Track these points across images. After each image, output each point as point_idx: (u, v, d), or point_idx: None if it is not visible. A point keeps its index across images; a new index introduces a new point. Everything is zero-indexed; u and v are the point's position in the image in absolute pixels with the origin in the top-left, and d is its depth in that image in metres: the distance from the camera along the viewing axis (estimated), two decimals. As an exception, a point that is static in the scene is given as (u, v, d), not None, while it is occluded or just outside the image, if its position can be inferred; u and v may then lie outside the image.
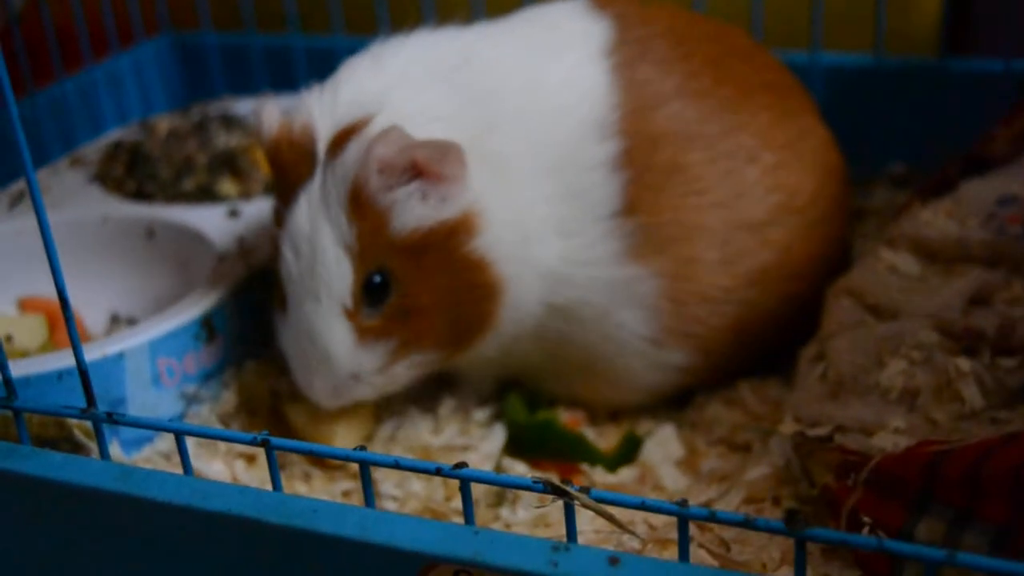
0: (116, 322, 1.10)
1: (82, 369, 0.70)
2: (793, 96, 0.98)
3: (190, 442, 0.88)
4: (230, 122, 1.30)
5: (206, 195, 1.16)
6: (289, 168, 0.87)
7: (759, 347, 0.95)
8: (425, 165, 0.82)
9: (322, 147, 0.86)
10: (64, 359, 0.86)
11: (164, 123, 1.30)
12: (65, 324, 0.69)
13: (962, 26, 1.22)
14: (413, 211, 0.83)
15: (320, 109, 0.87)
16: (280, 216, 0.88)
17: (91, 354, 0.87)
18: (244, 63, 1.43)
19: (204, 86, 1.45)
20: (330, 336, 0.85)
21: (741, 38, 1.00)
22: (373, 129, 0.83)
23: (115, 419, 0.70)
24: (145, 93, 1.42)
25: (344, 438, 0.90)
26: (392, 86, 0.87)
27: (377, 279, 0.84)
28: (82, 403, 0.70)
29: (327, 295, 0.84)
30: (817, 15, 1.17)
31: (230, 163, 1.21)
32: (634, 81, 0.89)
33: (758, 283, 0.91)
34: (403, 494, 0.85)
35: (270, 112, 0.89)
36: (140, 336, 0.89)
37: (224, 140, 1.25)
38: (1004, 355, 0.81)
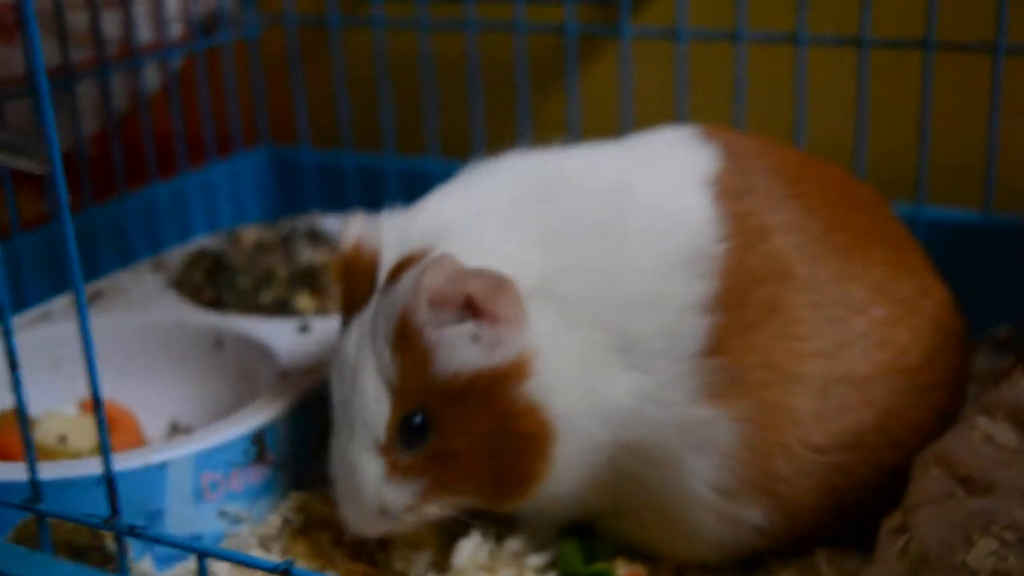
0: (175, 431, 1.07)
1: (109, 476, 0.66)
2: (912, 253, 0.92)
3: (223, 566, 0.84)
4: (316, 237, 1.29)
5: (282, 308, 1.15)
6: (353, 289, 0.85)
7: (845, 516, 0.87)
8: (479, 302, 0.78)
9: (384, 273, 0.83)
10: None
11: (251, 234, 1.30)
12: (108, 427, 0.66)
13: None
14: (461, 353, 0.79)
15: (390, 232, 0.85)
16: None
17: (134, 461, 0.84)
18: (338, 180, 1.43)
19: (297, 200, 1.45)
20: (359, 469, 0.81)
21: (860, 188, 0.94)
22: (428, 258, 0.80)
23: (136, 532, 0.66)
24: (238, 203, 1.43)
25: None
26: (466, 219, 0.84)
27: (416, 420, 0.80)
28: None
29: (362, 428, 0.81)
30: (923, 165, 1.12)
31: (310, 278, 1.19)
32: (737, 213, 0.84)
33: (854, 446, 0.84)
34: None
35: (352, 227, 0.87)
36: (186, 447, 0.86)
37: (308, 255, 1.24)
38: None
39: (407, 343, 0.79)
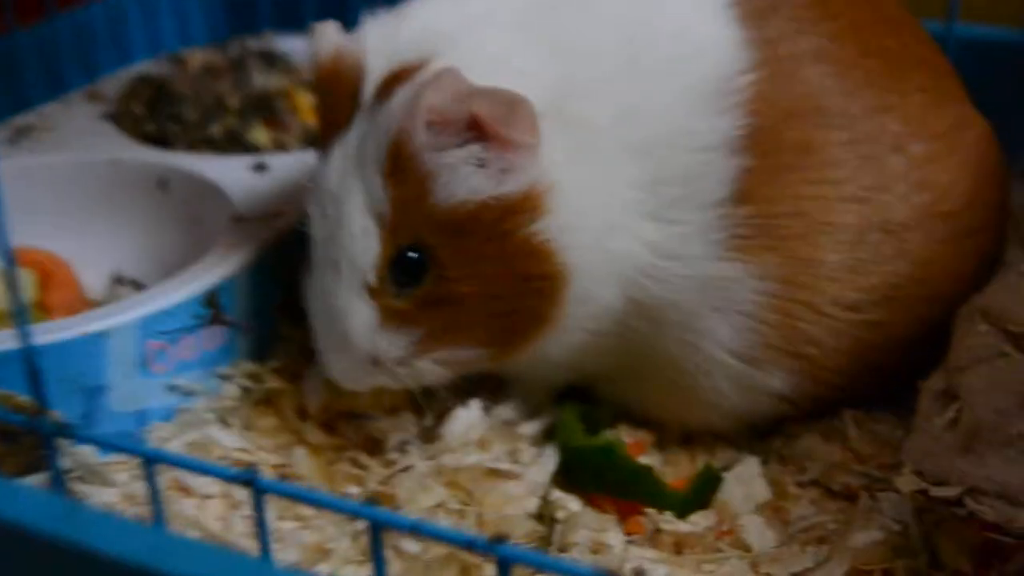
0: (119, 283, 0.96)
1: (31, 361, 0.55)
2: (949, 79, 0.82)
3: (177, 447, 0.74)
4: (271, 60, 1.16)
5: (234, 143, 1.03)
6: (333, 108, 0.74)
7: (878, 378, 0.78)
8: (487, 123, 0.68)
9: (370, 88, 0.72)
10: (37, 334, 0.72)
11: (198, 57, 1.17)
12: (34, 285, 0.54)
13: None
14: (466, 180, 0.70)
15: (376, 41, 0.74)
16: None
17: (67, 331, 0.73)
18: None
19: (249, 19, 1.30)
20: (347, 315, 0.72)
21: (890, 2, 0.83)
22: (427, 72, 0.69)
23: (66, 433, 0.55)
24: (182, 22, 1.28)
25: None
26: (467, 25, 0.73)
27: (411, 256, 0.71)
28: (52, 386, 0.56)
29: (348, 268, 0.72)
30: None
31: (265, 107, 1.07)
32: (764, 39, 0.74)
33: (889, 300, 0.76)
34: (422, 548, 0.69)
35: (327, 36, 0.76)
36: (128, 312, 0.75)
37: (262, 81, 1.12)
38: None
39: (401, 170, 0.70)
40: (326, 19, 1.22)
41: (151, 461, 0.53)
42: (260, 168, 0.94)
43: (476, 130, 0.69)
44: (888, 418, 0.80)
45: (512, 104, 0.68)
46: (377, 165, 0.70)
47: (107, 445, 0.54)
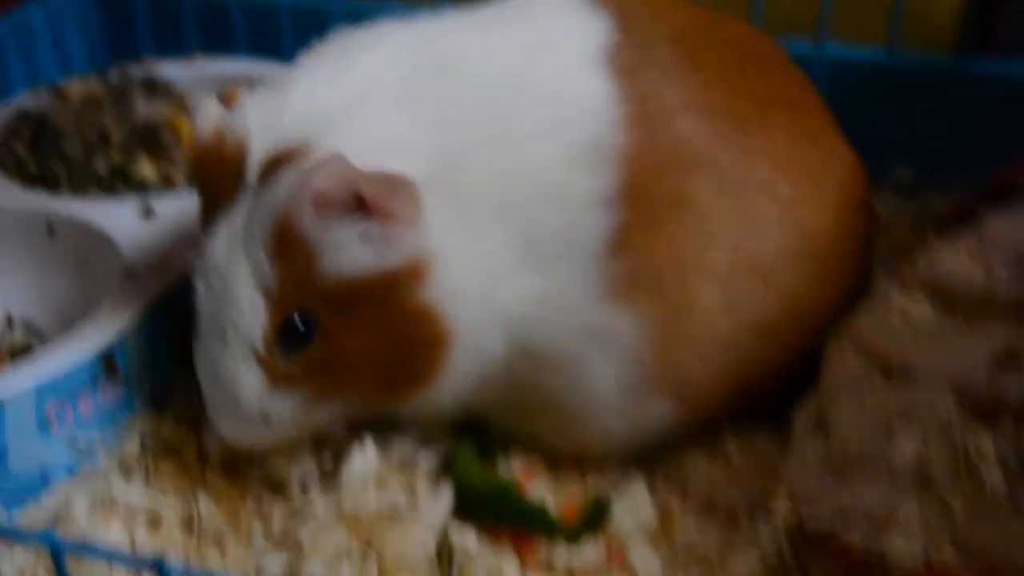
0: (10, 326, 0.96)
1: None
2: (817, 115, 0.86)
3: (81, 503, 0.75)
4: (153, 88, 1.16)
5: (120, 178, 1.03)
6: (214, 184, 0.75)
7: (754, 403, 0.82)
8: (371, 203, 0.70)
9: (253, 168, 0.73)
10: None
11: (78, 88, 1.15)
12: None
13: (988, 20, 1.08)
14: (351, 254, 0.71)
15: (259, 121, 0.74)
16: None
17: (-36, 399, 0.74)
18: (174, 16, 1.28)
19: (128, 44, 1.30)
20: (236, 381, 0.74)
21: (759, 42, 0.87)
22: (314, 157, 0.71)
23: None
24: (60, 50, 1.27)
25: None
26: (346, 105, 0.74)
27: (295, 324, 0.73)
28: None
29: (235, 339, 0.73)
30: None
31: (150, 139, 1.07)
32: (636, 94, 0.76)
33: (760, 335, 0.79)
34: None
35: (207, 114, 0.77)
36: (23, 379, 0.76)
37: (145, 111, 1.11)
38: (1029, 426, 0.69)
39: (287, 248, 0.71)
40: (207, 42, 1.24)
41: (57, 552, 0.55)
42: (148, 214, 0.94)
43: (360, 208, 0.71)
44: (767, 433, 0.83)
45: (394, 184, 0.70)
46: (263, 244, 0.71)
47: (11, 535, 0.56)
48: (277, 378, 0.74)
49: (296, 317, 0.72)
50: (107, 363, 0.80)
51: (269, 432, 0.76)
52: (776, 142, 0.80)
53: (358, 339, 0.73)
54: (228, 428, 0.77)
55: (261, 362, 0.73)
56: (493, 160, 0.74)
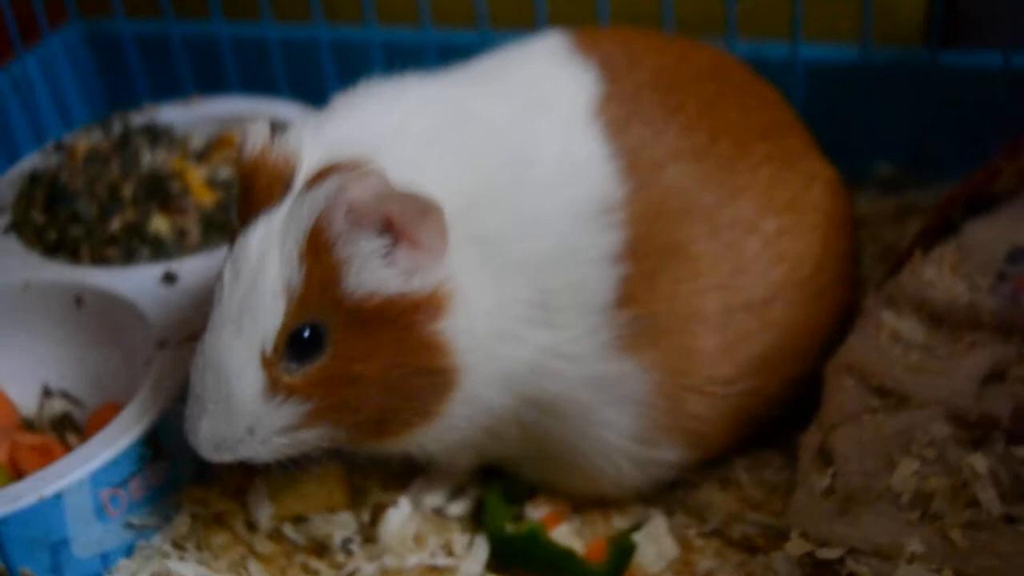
0: (48, 396, 1.00)
1: None
2: (793, 135, 0.89)
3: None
4: (156, 135, 1.18)
5: (136, 237, 1.05)
6: (259, 192, 0.76)
7: (758, 430, 0.88)
8: (399, 225, 0.73)
9: (302, 177, 0.75)
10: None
11: (83, 142, 1.18)
12: None
13: (952, 13, 1.11)
14: (375, 273, 0.73)
15: (312, 140, 0.77)
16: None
17: (25, 499, 0.78)
18: (165, 57, 1.29)
19: (122, 87, 1.31)
20: (237, 377, 0.74)
21: (731, 68, 0.90)
22: (355, 169, 0.73)
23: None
24: (59, 101, 1.28)
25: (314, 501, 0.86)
26: (388, 134, 0.77)
27: (307, 333, 0.74)
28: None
29: (250, 329, 0.74)
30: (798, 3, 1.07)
31: (159, 190, 1.10)
32: (627, 149, 0.80)
33: (760, 368, 0.84)
34: None
35: (257, 132, 0.78)
36: (78, 469, 0.80)
37: (150, 159, 1.14)
38: (1018, 442, 0.74)
39: (318, 251, 0.73)
40: (201, 81, 1.26)
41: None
42: (169, 279, 0.98)
43: (390, 229, 0.73)
44: (775, 457, 0.89)
45: (425, 209, 0.72)
46: (297, 241, 0.73)
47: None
48: (277, 385, 0.74)
49: (310, 326, 0.74)
50: (153, 443, 0.84)
51: (246, 446, 0.76)
52: (758, 174, 0.84)
53: (366, 363, 0.74)
54: (206, 432, 0.75)
55: (265, 364, 0.74)
56: (509, 209, 0.77)
